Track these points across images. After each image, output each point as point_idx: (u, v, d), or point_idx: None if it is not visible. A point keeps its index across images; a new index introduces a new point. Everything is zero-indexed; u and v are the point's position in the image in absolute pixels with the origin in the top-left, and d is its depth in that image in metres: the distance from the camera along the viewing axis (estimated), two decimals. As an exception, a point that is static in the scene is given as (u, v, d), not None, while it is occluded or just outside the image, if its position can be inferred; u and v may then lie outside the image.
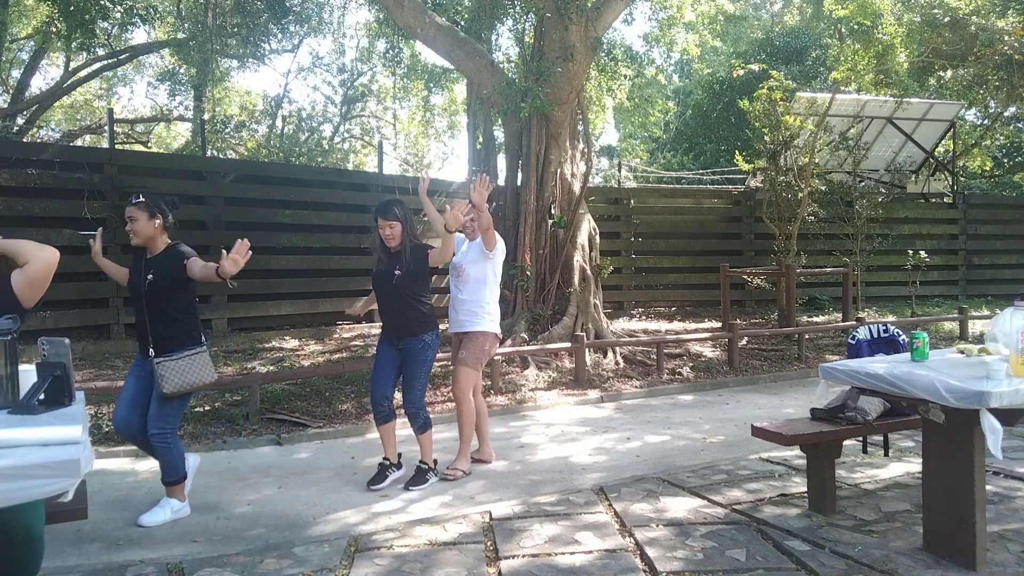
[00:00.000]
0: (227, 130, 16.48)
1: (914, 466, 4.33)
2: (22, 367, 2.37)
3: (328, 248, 11.01)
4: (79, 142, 17.70)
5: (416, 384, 4.53)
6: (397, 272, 4.50)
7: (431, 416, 4.83)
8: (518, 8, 11.40)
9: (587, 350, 8.13)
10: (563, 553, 3.20)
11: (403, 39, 13.94)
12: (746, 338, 9.69)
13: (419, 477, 4.56)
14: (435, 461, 4.69)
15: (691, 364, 8.70)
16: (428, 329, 4.59)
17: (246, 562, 3.18)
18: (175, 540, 3.70)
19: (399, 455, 4.73)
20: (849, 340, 4.41)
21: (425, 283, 4.62)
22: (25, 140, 14.06)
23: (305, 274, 10.74)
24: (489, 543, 3.35)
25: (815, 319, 12.42)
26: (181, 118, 18.79)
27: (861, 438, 4.42)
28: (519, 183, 9.91)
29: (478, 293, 4.81)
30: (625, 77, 14.24)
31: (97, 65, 16.31)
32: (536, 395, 7.34)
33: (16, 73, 17.63)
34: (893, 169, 15.08)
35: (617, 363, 8.62)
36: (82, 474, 1.86)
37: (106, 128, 12.45)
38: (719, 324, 10.73)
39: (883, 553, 3.10)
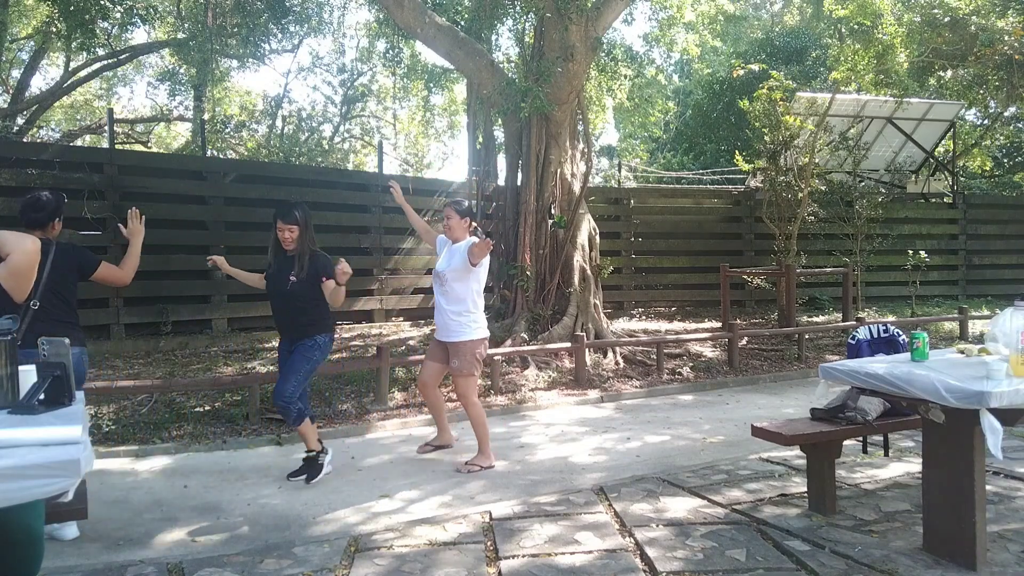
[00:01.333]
0: (227, 130, 16.48)
1: (914, 466, 4.33)
2: (22, 367, 2.37)
3: (328, 248, 10.83)
4: (79, 142, 17.70)
5: (291, 378, 4.49)
6: (292, 278, 4.49)
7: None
8: (518, 8, 11.40)
9: (587, 350, 8.13)
10: (563, 553, 3.19)
11: (403, 39, 13.94)
12: (746, 338, 9.69)
13: (310, 467, 4.61)
14: (321, 442, 4.75)
15: (691, 364, 8.70)
16: (322, 331, 4.62)
17: (246, 562, 3.18)
18: (175, 540, 3.70)
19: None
20: (849, 340, 4.41)
21: (320, 288, 4.56)
22: (25, 140, 14.06)
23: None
24: (489, 543, 3.35)
25: (815, 319, 12.42)
26: (181, 118, 18.80)
27: (861, 438, 4.42)
28: (519, 183, 9.91)
29: (463, 302, 4.86)
30: (625, 77, 14.26)
31: (97, 65, 16.32)
32: (536, 395, 7.34)
33: (16, 73, 17.64)
34: (893, 169, 15.08)
35: (617, 363, 8.62)
36: (82, 474, 1.86)
37: (106, 128, 12.45)
38: (719, 324, 10.73)
39: (883, 553, 3.10)
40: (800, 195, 11.18)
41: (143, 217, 4.09)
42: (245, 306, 10.14)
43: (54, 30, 12.04)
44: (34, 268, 2.69)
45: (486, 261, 4.89)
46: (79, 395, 2.48)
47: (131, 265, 4.04)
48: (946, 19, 13.29)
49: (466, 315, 4.86)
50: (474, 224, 5.03)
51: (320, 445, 4.72)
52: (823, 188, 12.29)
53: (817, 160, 11.68)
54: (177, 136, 21.59)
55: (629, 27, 43.44)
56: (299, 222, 4.50)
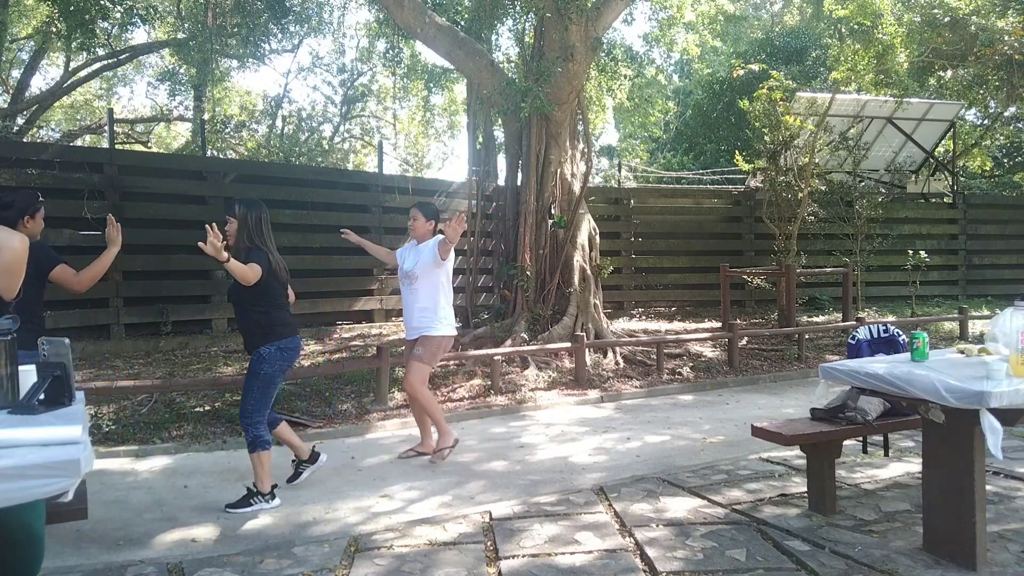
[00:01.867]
0: (227, 130, 16.48)
1: (914, 466, 4.33)
2: (22, 367, 2.37)
3: (328, 248, 11.00)
4: (79, 142, 17.69)
5: (245, 398, 4.19)
6: (231, 280, 4.17)
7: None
8: (518, 8, 11.41)
9: (587, 350, 8.13)
10: (563, 553, 3.19)
11: (403, 39, 13.94)
12: (746, 338, 9.69)
13: (241, 501, 4.15)
14: (274, 487, 4.23)
15: (691, 364, 8.70)
16: (266, 340, 4.16)
17: (246, 562, 3.18)
18: (175, 540, 3.70)
19: (312, 449, 4.70)
20: (849, 340, 4.41)
21: (260, 290, 4.11)
22: (25, 140, 14.05)
23: (305, 274, 10.73)
24: (489, 543, 3.35)
25: (815, 319, 12.42)
26: (181, 118, 18.80)
27: (861, 438, 4.42)
28: (519, 183, 9.91)
29: (433, 298, 4.92)
30: (625, 77, 14.26)
31: (97, 65, 16.31)
32: (536, 395, 7.34)
33: (16, 73, 17.64)
34: (893, 169, 15.08)
35: (617, 363, 8.62)
36: (82, 474, 1.85)
37: (106, 128, 12.44)
38: (719, 324, 10.73)
39: (883, 553, 3.10)
40: (800, 195, 11.18)
41: (119, 228, 3.95)
42: (245, 306, 10.13)
43: (54, 30, 12.04)
44: (23, 265, 2.64)
45: (452, 259, 4.91)
46: (79, 395, 2.48)
47: (93, 274, 3.85)
48: (946, 19, 13.29)
49: (437, 312, 4.93)
50: (440, 227, 5.01)
51: (267, 487, 4.19)
52: (823, 188, 12.29)
53: (817, 160, 11.68)
54: (177, 136, 21.59)
55: (629, 27, 43.45)
56: (236, 215, 4.16)
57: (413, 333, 5.02)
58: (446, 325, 4.98)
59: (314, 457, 4.66)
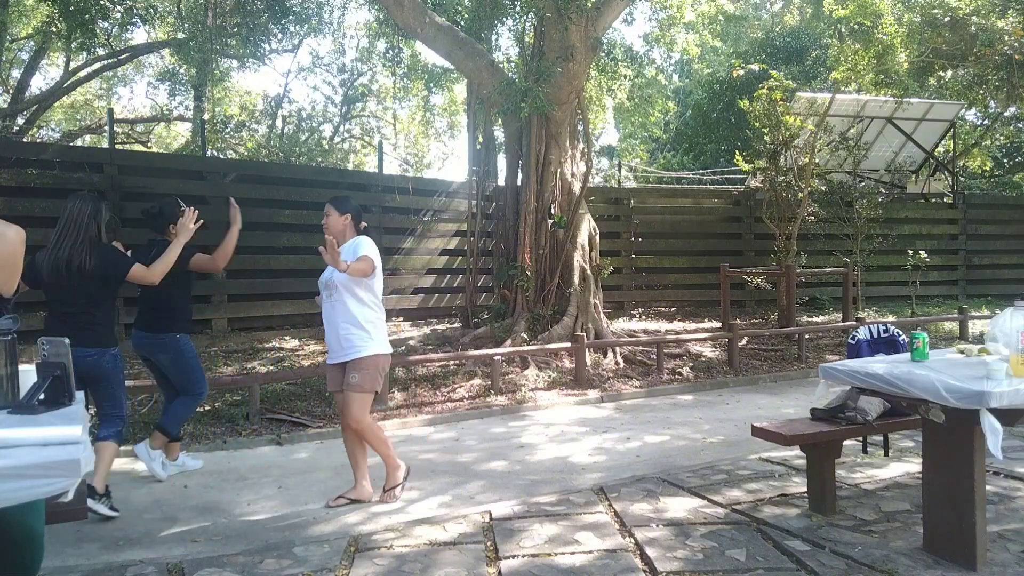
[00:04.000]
0: (227, 130, 16.47)
1: (914, 466, 4.33)
2: (22, 367, 2.37)
3: (328, 248, 11.01)
4: (79, 142, 17.69)
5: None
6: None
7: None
8: (518, 8, 11.40)
9: (587, 350, 8.13)
10: (563, 553, 3.19)
11: (403, 39, 13.92)
12: (746, 338, 9.69)
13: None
14: (105, 488, 3.99)
15: (691, 364, 8.70)
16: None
17: (246, 562, 3.18)
18: (175, 540, 3.70)
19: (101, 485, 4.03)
20: (849, 340, 4.41)
21: (99, 291, 4.02)
22: (25, 140, 14.05)
23: (305, 274, 10.70)
24: (489, 543, 3.35)
25: (815, 319, 12.42)
26: (181, 118, 18.79)
27: (861, 438, 4.42)
28: (519, 183, 9.91)
29: (359, 313, 4.11)
30: (625, 77, 14.25)
31: (97, 65, 16.30)
32: (536, 395, 7.34)
33: (16, 73, 17.61)
34: (893, 169, 15.08)
35: (617, 363, 8.62)
36: (82, 474, 1.85)
37: (106, 128, 12.45)
38: (719, 324, 10.73)
39: (883, 553, 3.10)
40: (800, 195, 11.18)
41: (238, 208, 4.70)
42: (245, 306, 10.15)
43: (54, 30, 12.02)
44: (19, 258, 2.57)
45: (378, 272, 4.17)
46: (79, 395, 2.47)
47: (225, 253, 4.52)
48: (946, 19, 13.29)
49: (364, 328, 4.10)
50: (363, 224, 4.39)
51: (102, 488, 4.00)
52: (823, 188, 12.29)
53: (817, 160, 11.68)
54: (177, 136, 21.58)
55: (629, 27, 43.43)
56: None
57: (337, 356, 4.16)
58: (378, 342, 4.15)
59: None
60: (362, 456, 4.27)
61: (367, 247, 4.14)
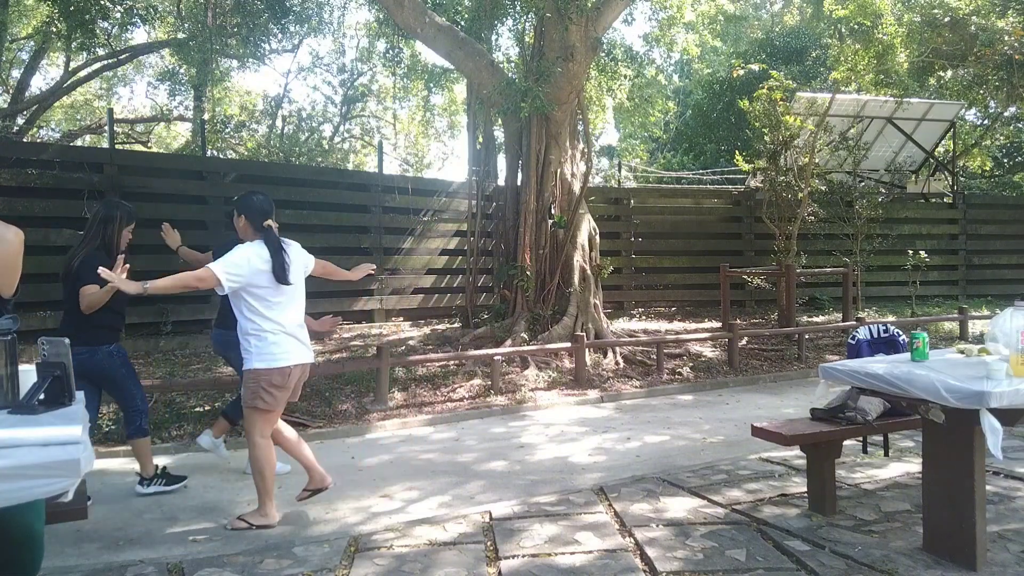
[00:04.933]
0: (227, 130, 16.48)
1: (914, 466, 4.33)
2: (22, 367, 2.37)
3: (328, 248, 10.97)
4: (79, 142, 17.69)
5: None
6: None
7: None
8: (518, 8, 11.41)
9: (587, 350, 8.13)
10: (563, 553, 3.19)
11: (403, 39, 13.93)
12: (746, 338, 9.69)
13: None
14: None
15: (691, 364, 8.70)
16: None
17: (246, 562, 3.18)
18: (175, 540, 3.70)
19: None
20: (849, 340, 4.41)
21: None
22: (25, 140, 14.05)
23: (305, 274, 10.73)
24: (489, 543, 3.35)
25: (815, 319, 12.41)
26: (181, 118, 18.79)
27: (861, 438, 4.42)
28: (519, 183, 9.91)
29: (244, 322, 3.80)
30: (625, 77, 14.26)
31: (97, 65, 16.30)
32: (536, 395, 7.34)
33: (16, 73, 17.62)
34: (893, 169, 15.08)
35: (617, 363, 8.62)
36: (82, 474, 1.85)
37: (106, 128, 12.45)
38: (719, 324, 10.73)
39: (883, 553, 3.10)
40: (800, 195, 11.18)
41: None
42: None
43: (54, 30, 12.02)
44: (18, 260, 2.55)
45: (241, 279, 3.73)
46: (79, 395, 2.47)
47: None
48: (946, 19, 13.29)
49: (246, 338, 3.78)
50: (268, 222, 4.04)
51: (151, 472, 4.49)
52: (823, 188, 12.29)
53: (817, 160, 11.68)
54: (177, 136, 21.59)
55: (629, 27, 43.44)
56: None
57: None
58: (262, 355, 3.75)
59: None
60: (297, 449, 4.13)
61: (235, 252, 3.81)
